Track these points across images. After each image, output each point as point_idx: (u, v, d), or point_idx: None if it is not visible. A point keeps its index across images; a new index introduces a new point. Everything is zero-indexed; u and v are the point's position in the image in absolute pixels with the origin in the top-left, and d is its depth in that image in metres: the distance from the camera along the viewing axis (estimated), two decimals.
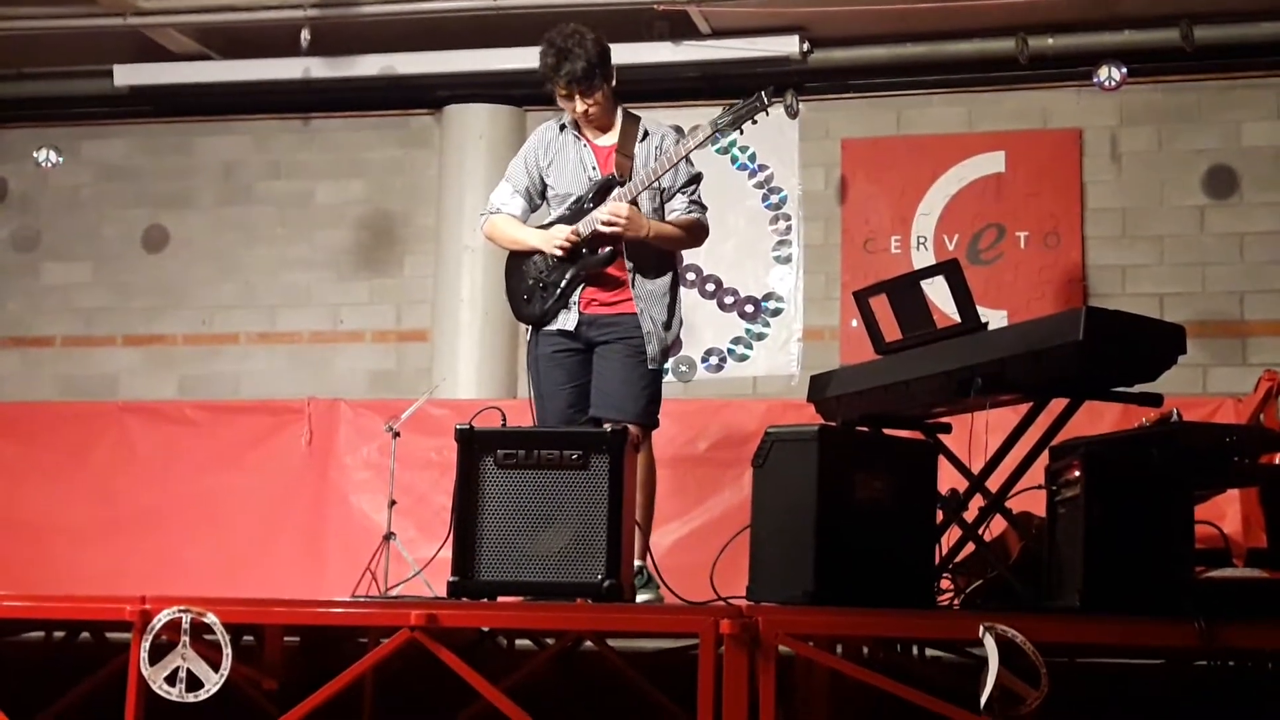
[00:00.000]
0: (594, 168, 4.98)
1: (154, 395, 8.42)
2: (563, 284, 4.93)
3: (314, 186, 8.76)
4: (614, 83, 4.96)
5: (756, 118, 4.80)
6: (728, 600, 3.89)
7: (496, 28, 7.70)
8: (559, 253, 4.88)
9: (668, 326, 4.96)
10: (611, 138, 5.00)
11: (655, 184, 4.87)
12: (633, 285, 4.92)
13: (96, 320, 8.86)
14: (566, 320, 4.94)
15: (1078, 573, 3.54)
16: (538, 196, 5.11)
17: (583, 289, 4.94)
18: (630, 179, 4.86)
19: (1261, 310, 7.60)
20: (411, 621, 3.65)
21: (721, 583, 4.06)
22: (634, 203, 4.84)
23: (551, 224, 5.00)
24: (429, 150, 8.63)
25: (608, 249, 4.89)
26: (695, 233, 5.04)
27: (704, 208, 5.04)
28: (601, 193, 4.89)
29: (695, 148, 4.82)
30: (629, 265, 4.92)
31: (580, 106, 4.91)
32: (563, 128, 5.07)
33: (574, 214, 4.94)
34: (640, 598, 4.60)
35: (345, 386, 8.22)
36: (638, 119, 5.03)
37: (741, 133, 4.98)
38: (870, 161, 8.14)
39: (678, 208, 4.98)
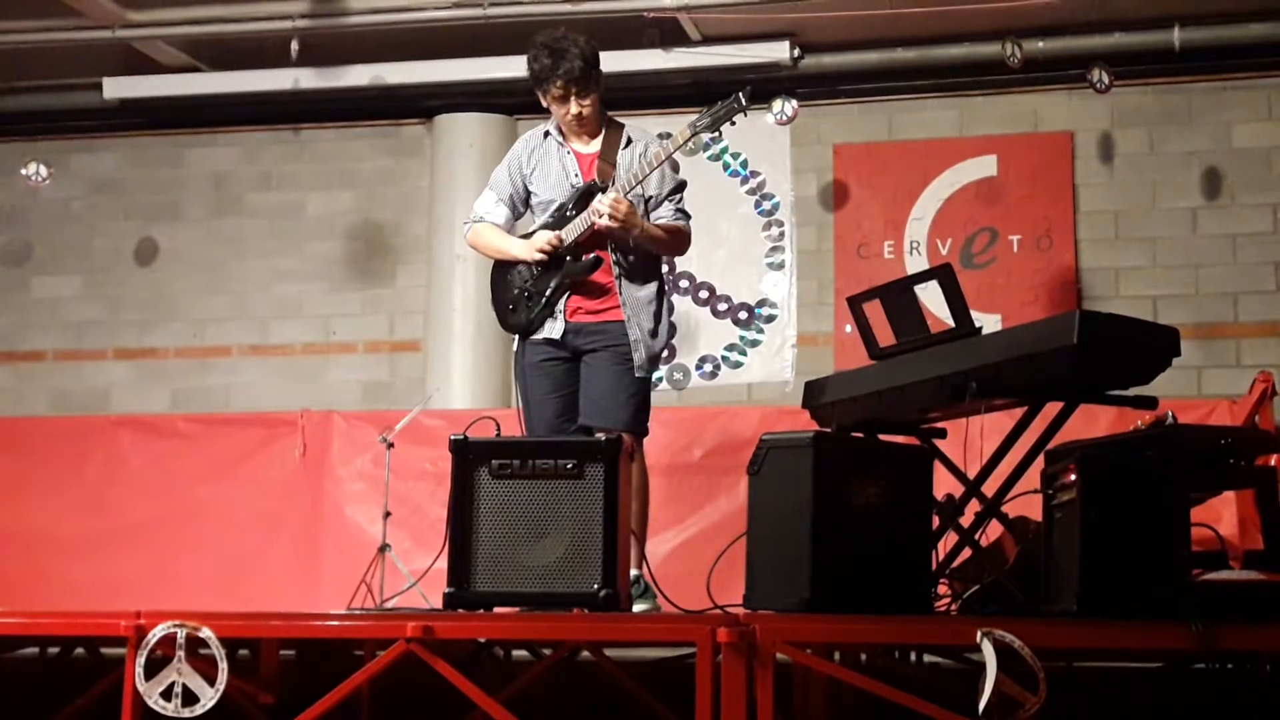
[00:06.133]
0: (577, 174, 4.97)
1: (146, 409, 8.40)
2: (547, 292, 4.92)
3: (305, 197, 8.75)
4: (603, 88, 4.95)
5: (735, 118, 4.79)
6: (725, 608, 3.87)
7: (486, 37, 7.69)
8: (541, 258, 4.88)
9: (655, 334, 4.94)
10: (595, 145, 4.99)
11: (638, 189, 4.86)
12: (619, 292, 4.91)
13: (88, 334, 8.84)
14: (553, 329, 4.92)
15: (1075, 577, 3.54)
16: (521, 205, 5.11)
17: (568, 297, 4.93)
18: (612, 186, 4.85)
19: (1255, 312, 7.60)
20: (408, 633, 3.65)
21: (718, 591, 4.05)
22: None
23: (534, 233, 4.99)
24: (420, 160, 8.62)
25: (591, 256, 4.88)
26: (680, 238, 5.02)
27: (688, 216, 5.03)
28: (584, 200, 4.88)
29: (675, 150, 4.81)
30: (615, 272, 4.91)
31: (574, 109, 4.89)
32: (546, 135, 5.07)
33: (557, 221, 4.94)
34: (637, 608, 4.58)
35: (338, 398, 8.21)
36: (621, 126, 5.03)
37: (720, 134, 4.97)
38: (862, 167, 8.14)
39: (664, 215, 4.97)
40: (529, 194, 5.07)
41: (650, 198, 4.95)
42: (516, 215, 5.13)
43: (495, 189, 5.11)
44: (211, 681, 3.64)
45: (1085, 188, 7.89)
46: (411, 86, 8.23)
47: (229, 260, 8.75)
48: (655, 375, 5.04)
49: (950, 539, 4.31)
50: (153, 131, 8.87)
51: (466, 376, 8.12)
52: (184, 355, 8.69)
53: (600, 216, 4.75)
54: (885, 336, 4.63)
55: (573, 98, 4.85)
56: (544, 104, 4.96)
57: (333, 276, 8.65)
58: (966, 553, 4.31)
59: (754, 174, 8.19)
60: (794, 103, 7.61)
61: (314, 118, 8.67)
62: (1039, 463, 4.05)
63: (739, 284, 8.13)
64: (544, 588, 3.95)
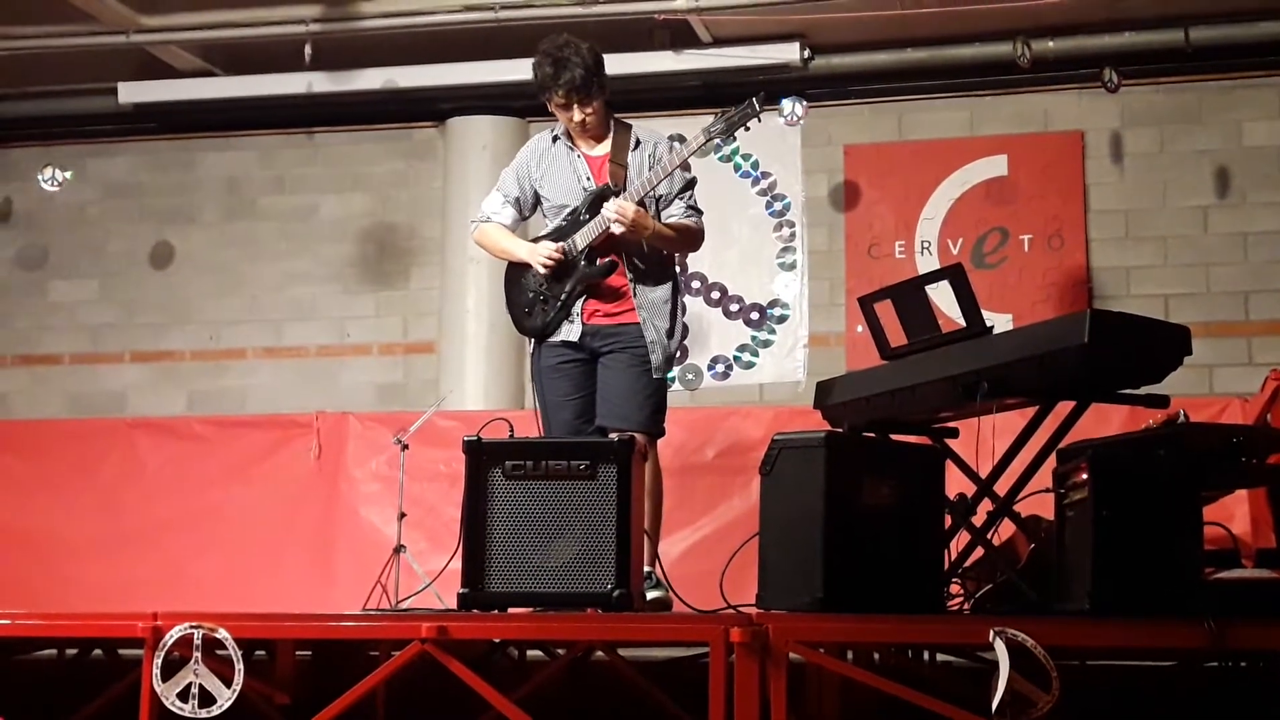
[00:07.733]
0: (588, 178, 5.00)
1: (162, 411, 8.44)
2: (563, 296, 4.95)
3: (318, 200, 8.78)
4: (607, 93, 4.98)
5: (749, 123, 4.82)
6: (738, 608, 3.89)
7: (498, 39, 7.72)
8: (543, 269, 4.91)
9: (670, 335, 4.98)
10: (604, 147, 5.02)
11: (651, 193, 4.89)
12: (634, 295, 4.94)
13: (104, 337, 8.88)
14: (570, 332, 4.95)
15: (1087, 575, 3.54)
16: (528, 208, 5.16)
17: (585, 300, 4.95)
18: (625, 188, 4.88)
19: (1266, 310, 7.59)
20: (422, 634, 3.67)
21: (731, 590, 4.07)
22: None
23: (547, 236, 5.02)
24: (433, 162, 8.65)
25: (607, 259, 4.91)
26: (692, 236, 5.06)
27: (700, 212, 5.07)
28: (596, 204, 4.91)
29: (690, 155, 4.85)
30: (629, 275, 4.94)
31: (577, 116, 4.92)
32: (555, 139, 5.10)
33: (570, 225, 4.97)
34: (649, 595, 4.60)
35: (353, 400, 8.24)
36: (629, 127, 5.06)
37: (735, 139, 4.99)
38: (873, 167, 8.15)
39: (675, 213, 5.00)
40: (536, 198, 5.11)
41: (661, 197, 4.98)
42: (523, 217, 5.18)
43: (502, 190, 5.16)
44: (228, 682, 3.66)
45: (1096, 187, 7.89)
46: (424, 89, 8.25)
47: (243, 263, 8.79)
48: (669, 375, 5.06)
49: (963, 538, 4.31)
50: (167, 136, 8.91)
51: (480, 378, 8.14)
52: (199, 358, 8.73)
53: (613, 222, 4.79)
54: (897, 336, 4.63)
55: (575, 105, 4.89)
56: (549, 109, 5.00)
57: (346, 279, 8.68)
58: (979, 552, 4.32)
59: (765, 175, 8.20)
60: (804, 104, 7.62)
61: (327, 121, 8.70)
62: (1051, 462, 4.04)
63: (750, 285, 8.14)
64: (558, 588, 3.97)
